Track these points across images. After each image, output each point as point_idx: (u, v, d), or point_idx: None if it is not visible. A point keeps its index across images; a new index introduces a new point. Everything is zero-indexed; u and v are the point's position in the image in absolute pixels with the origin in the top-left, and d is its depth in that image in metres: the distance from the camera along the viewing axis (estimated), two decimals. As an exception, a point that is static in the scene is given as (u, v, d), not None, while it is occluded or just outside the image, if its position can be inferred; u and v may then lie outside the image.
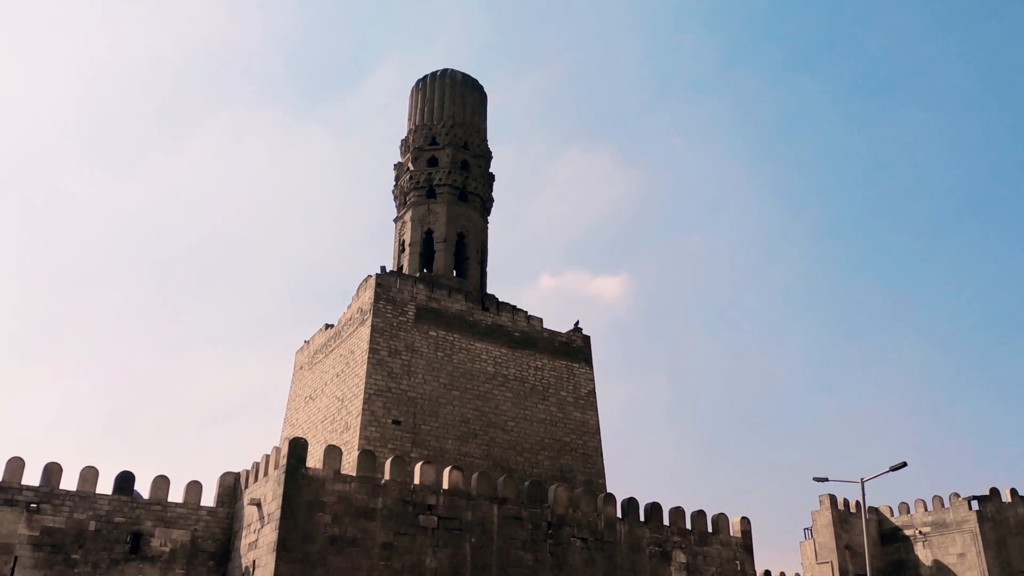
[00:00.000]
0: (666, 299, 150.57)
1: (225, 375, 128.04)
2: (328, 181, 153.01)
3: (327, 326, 48.80)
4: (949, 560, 49.37)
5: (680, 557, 34.63)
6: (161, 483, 29.84)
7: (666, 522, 34.99)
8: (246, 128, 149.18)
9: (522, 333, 47.18)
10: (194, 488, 30.42)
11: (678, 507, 35.59)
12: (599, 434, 46.70)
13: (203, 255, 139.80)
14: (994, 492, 50.25)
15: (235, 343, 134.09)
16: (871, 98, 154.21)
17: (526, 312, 48.23)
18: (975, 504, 49.90)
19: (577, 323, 49.93)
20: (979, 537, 48.71)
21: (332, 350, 46.34)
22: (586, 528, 32.51)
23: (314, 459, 29.45)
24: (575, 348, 48.82)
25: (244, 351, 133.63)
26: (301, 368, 50.46)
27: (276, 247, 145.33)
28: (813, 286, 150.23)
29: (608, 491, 40.64)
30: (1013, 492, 50.26)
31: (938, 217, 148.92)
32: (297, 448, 27.64)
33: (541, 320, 48.46)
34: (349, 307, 46.59)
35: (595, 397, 47.87)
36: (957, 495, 50.59)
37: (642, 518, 34.38)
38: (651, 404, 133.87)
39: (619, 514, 33.82)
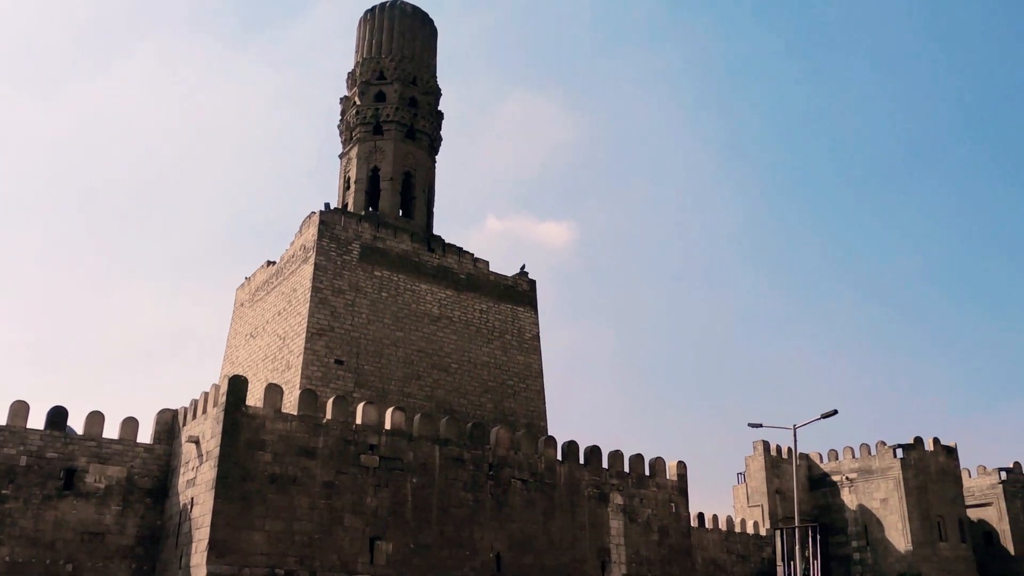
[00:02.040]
0: (611, 247, 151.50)
1: (160, 311, 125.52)
2: (269, 114, 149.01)
3: (269, 263, 47.86)
4: (873, 505, 51.36)
5: (617, 499, 35.31)
6: (95, 419, 29.14)
7: (605, 465, 35.55)
8: (178, 54, 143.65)
9: (468, 276, 46.94)
10: (130, 425, 29.79)
11: (617, 450, 36.17)
12: (542, 378, 47.05)
13: (133, 186, 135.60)
14: (918, 441, 52.16)
15: (171, 278, 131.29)
16: (819, 52, 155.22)
17: (472, 255, 47.94)
18: (900, 452, 51.77)
19: (523, 267, 49.88)
20: (902, 483, 50.67)
21: (274, 288, 45.54)
22: (527, 470, 32.85)
23: (255, 397, 29.06)
24: (520, 292, 48.81)
25: (181, 286, 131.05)
26: (242, 305, 49.55)
27: (213, 180, 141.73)
28: (756, 237, 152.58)
29: (549, 434, 41.08)
30: (936, 441, 52.27)
31: (880, 173, 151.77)
32: (237, 386, 27.19)
33: (487, 263, 48.25)
34: (292, 244, 45.69)
35: (539, 341, 48.09)
36: (883, 443, 52.41)
37: (582, 461, 34.86)
38: (594, 350, 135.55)
39: (559, 457, 34.24)
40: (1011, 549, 57.00)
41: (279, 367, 41.03)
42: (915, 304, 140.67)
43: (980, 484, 58.63)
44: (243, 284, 50.47)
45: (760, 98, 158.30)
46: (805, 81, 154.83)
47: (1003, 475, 58.56)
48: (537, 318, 48.70)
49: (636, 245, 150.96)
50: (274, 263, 47.15)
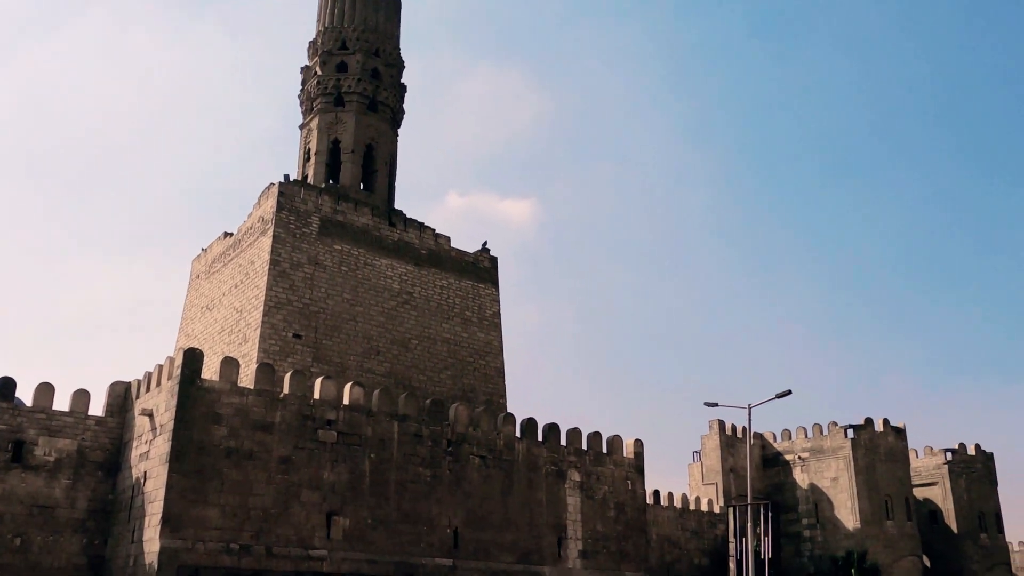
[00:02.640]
0: (574, 225, 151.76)
1: (114, 282, 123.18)
2: (227, 81, 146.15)
3: (226, 234, 47.02)
4: (823, 484, 52.38)
5: (575, 476, 35.51)
6: (45, 390, 28.43)
7: (563, 442, 35.70)
8: (132, 17, 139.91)
9: (429, 251, 46.60)
10: (81, 397, 29.13)
11: (575, 428, 36.34)
12: (502, 355, 47.01)
13: (85, 154, 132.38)
14: (868, 421, 53.20)
15: (124, 248, 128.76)
16: (786, 34, 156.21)
17: (434, 230, 47.58)
18: (850, 432, 52.78)
19: (485, 244, 49.65)
20: (852, 463, 51.71)
21: (231, 259, 44.77)
22: (485, 446, 32.86)
23: (210, 371, 28.56)
24: (482, 269, 48.62)
25: (134, 257, 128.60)
26: (198, 277, 48.68)
27: (169, 148, 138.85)
28: (719, 218, 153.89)
29: (508, 411, 41.15)
30: (885, 422, 53.35)
31: (842, 157, 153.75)
32: (192, 358, 26.72)
33: (449, 239, 47.93)
34: (250, 215, 44.91)
35: (500, 319, 48.01)
36: (835, 423, 53.38)
37: (540, 438, 34.97)
38: (555, 328, 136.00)
39: (518, 433, 34.30)
40: (954, 527, 58.63)
41: (236, 340, 40.44)
42: (869, 288, 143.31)
43: (927, 464, 60.08)
44: (199, 255, 49.56)
45: (728, 78, 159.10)
46: (773, 62, 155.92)
47: (948, 456, 60.05)
48: (498, 295, 48.59)
49: (598, 224, 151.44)
50: (231, 235, 46.33)
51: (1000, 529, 60.20)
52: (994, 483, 60.85)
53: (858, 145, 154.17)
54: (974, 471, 60.04)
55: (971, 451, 60.73)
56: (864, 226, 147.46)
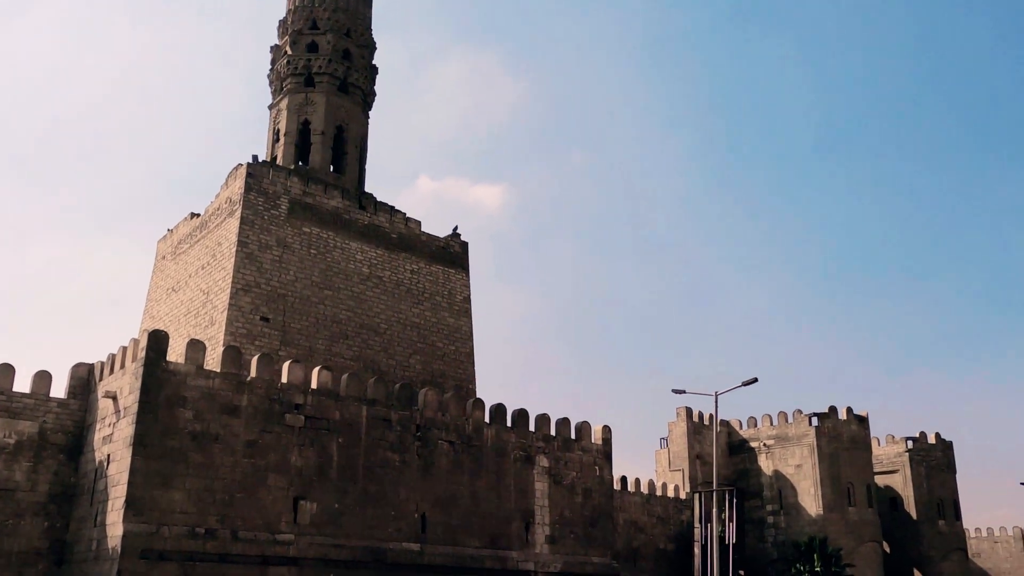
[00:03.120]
0: (545, 212, 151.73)
1: (78, 263, 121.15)
2: (195, 60, 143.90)
3: (193, 215, 46.32)
4: (788, 471, 53.04)
5: (543, 461, 35.59)
6: (5, 372, 27.84)
7: (532, 428, 35.75)
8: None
9: (400, 235, 46.29)
10: (43, 378, 28.57)
11: (544, 414, 36.40)
12: (472, 340, 46.91)
13: (49, 133, 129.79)
14: (832, 410, 53.91)
15: (89, 229, 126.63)
16: (766, 21, 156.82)
17: (404, 214, 47.25)
18: (815, 420, 53.47)
19: (456, 229, 49.42)
20: (815, 450, 52.40)
21: (198, 241, 44.14)
22: (454, 431, 32.80)
23: (176, 353, 28.20)
24: (453, 254, 48.41)
25: (99, 238, 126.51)
26: (163, 258, 47.94)
27: (134, 127, 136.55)
28: (690, 207, 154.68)
29: (478, 396, 41.13)
30: (849, 411, 54.09)
31: (811, 148, 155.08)
32: (157, 340, 26.31)
33: (419, 223, 47.64)
34: (217, 196, 44.27)
35: (470, 304, 47.88)
36: (800, 411, 54.03)
37: (509, 424, 34.98)
38: (525, 314, 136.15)
39: (487, 419, 34.27)
40: (913, 514, 59.71)
41: (202, 323, 39.93)
42: (835, 278, 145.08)
43: (888, 452, 61.06)
44: (165, 236, 48.80)
45: (707, 65, 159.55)
46: (752, 49, 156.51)
47: (909, 444, 61.07)
48: (469, 280, 48.43)
49: (570, 211, 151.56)
50: (198, 215, 45.66)
51: (957, 516, 61.42)
52: (953, 471, 62.03)
53: (826, 138, 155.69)
54: (933, 459, 61.14)
55: (931, 440, 61.81)
56: (830, 217, 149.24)
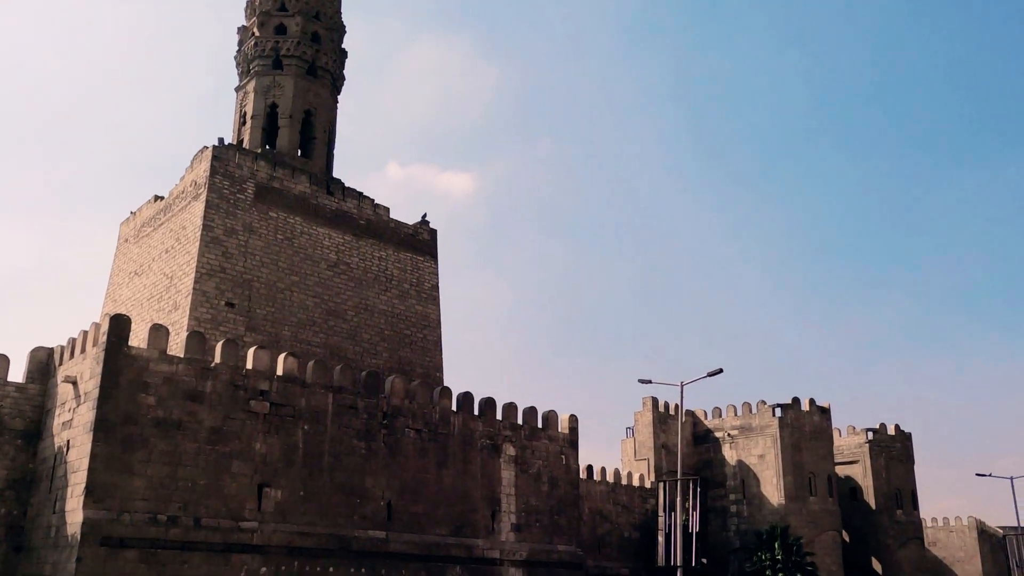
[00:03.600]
0: (514, 201, 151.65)
1: (38, 245, 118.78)
2: (160, 38, 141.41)
3: (156, 198, 45.55)
4: (751, 460, 53.58)
5: (510, 450, 35.60)
6: (-39, 355, 27.21)
7: (499, 416, 35.72)
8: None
9: (368, 221, 45.90)
10: (0, 362, 27.95)
11: (511, 403, 36.38)
12: (440, 328, 46.72)
13: (10, 113, 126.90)
14: (795, 401, 54.50)
15: (50, 211, 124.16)
16: (737, 11, 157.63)
17: (373, 200, 46.86)
18: (778, 411, 54.01)
19: (424, 216, 49.13)
20: (778, 440, 52.96)
21: (161, 224, 43.42)
22: (421, 419, 32.65)
23: (139, 338, 27.73)
24: (421, 241, 48.12)
25: (60, 220, 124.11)
26: (126, 241, 47.10)
27: (97, 107, 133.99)
28: (657, 199, 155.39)
29: (445, 385, 40.97)
30: (811, 402, 54.72)
31: (779, 140, 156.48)
32: (119, 325, 25.82)
33: (388, 210, 47.29)
34: (182, 179, 43.56)
35: (438, 292, 47.66)
36: (764, 402, 54.54)
37: (476, 412, 34.91)
38: (493, 303, 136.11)
39: (454, 407, 34.17)
40: (872, 504, 60.70)
41: (166, 307, 39.32)
42: (799, 272, 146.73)
43: (849, 443, 61.96)
44: (128, 219, 47.94)
45: (678, 56, 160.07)
46: (721, 40, 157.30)
47: (870, 435, 62.02)
48: (437, 268, 48.19)
49: (538, 200, 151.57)
50: (162, 198, 44.92)
51: (915, 506, 62.56)
52: (911, 462, 63.16)
53: (795, 133, 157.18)
54: (893, 450, 62.17)
55: (891, 431, 62.83)
56: (797, 212, 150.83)
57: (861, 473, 61.29)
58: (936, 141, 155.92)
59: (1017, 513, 72.41)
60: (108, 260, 48.14)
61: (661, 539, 43.90)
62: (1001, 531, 77.61)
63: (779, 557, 49.56)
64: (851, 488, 61.05)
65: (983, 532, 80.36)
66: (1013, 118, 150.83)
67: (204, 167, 41.02)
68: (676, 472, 39.92)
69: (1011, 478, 53.04)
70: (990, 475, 63.17)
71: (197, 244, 38.73)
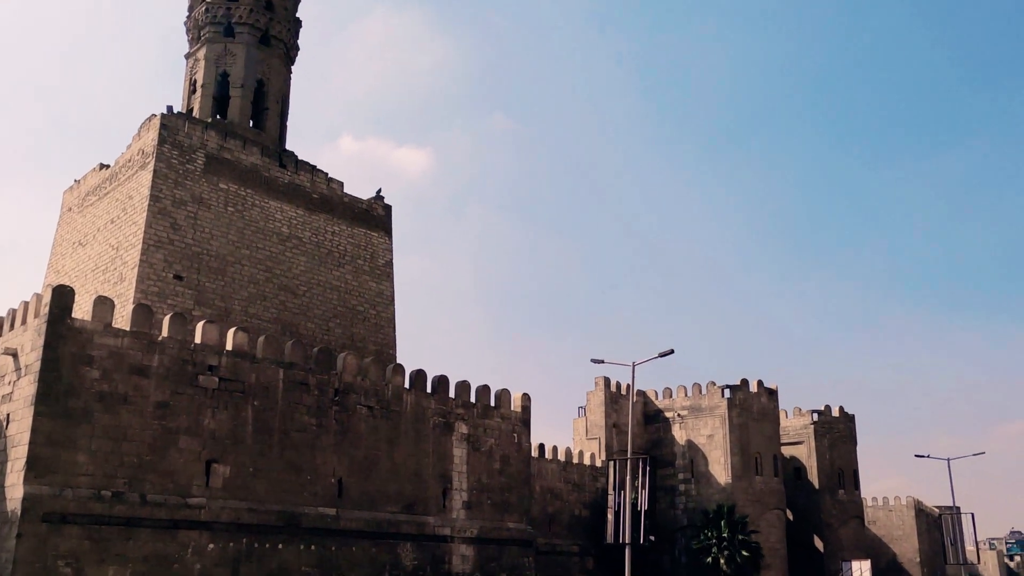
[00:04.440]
0: (469, 178, 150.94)
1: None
2: (105, 2, 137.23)
3: (102, 166, 44.27)
4: (700, 440, 54.35)
5: (462, 428, 35.52)
6: None
7: (452, 394, 35.58)
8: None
9: (321, 196, 45.19)
10: (-65, 332, 26.95)
11: (464, 381, 36.26)
12: (393, 305, 46.32)
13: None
14: (744, 382, 55.38)
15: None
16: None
17: (326, 174, 46.12)
18: (727, 392, 54.87)
19: (379, 191, 48.54)
20: (727, 421, 53.82)
21: (107, 193, 42.23)
22: (373, 397, 32.36)
23: (83, 310, 26.94)
24: (376, 217, 47.56)
25: (0, 188, 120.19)
26: (70, 210, 45.75)
27: (38, 71, 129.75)
28: (611, 179, 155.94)
29: (398, 362, 40.72)
30: (760, 383, 55.67)
31: (727, 124, 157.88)
32: (62, 296, 25.03)
33: (342, 184, 46.60)
34: (129, 148, 42.38)
35: (392, 268, 47.21)
36: (713, 383, 55.33)
37: (429, 390, 34.72)
38: (447, 280, 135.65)
39: (407, 385, 33.92)
40: (816, 483, 62.13)
41: (111, 279, 38.31)
42: (749, 256, 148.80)
43: (795, 424, 63.23)
44: (72, 187, 46.55)
45: (635, 39, 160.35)
46: (680, 21, 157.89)
47: (815, 416, 63.38)
48: (391, 244, 47.70)
49: (493, 178, 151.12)
50: (108, 167, 43.66)
51: (856, 485, 64.19)
52: (854, 443, 64.74)
53: (746, 116, 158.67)
54: (837, 431, 63.63)
55: (835, 413, 64.28)
56: (747, 196, 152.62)
57: (806, 453, 62.62)
58: (883, 131, 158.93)
59: (953, 493, 74.86)
60: (51, 229, 46.77)
61: (610, 517, 44.17)
62: (937, 510, 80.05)
63: (725, 535, 50.50)
64: (796, 468, 62.37)
65: (920, 511, 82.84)
66: (958, 111, 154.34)
67: (152, 136, 39.94)
68: (627, 451, 40.23)
69: (948, 459, 54.62)
70: (928, 456, 64.94)
71: (144, 215, 37.75)
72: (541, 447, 47.43)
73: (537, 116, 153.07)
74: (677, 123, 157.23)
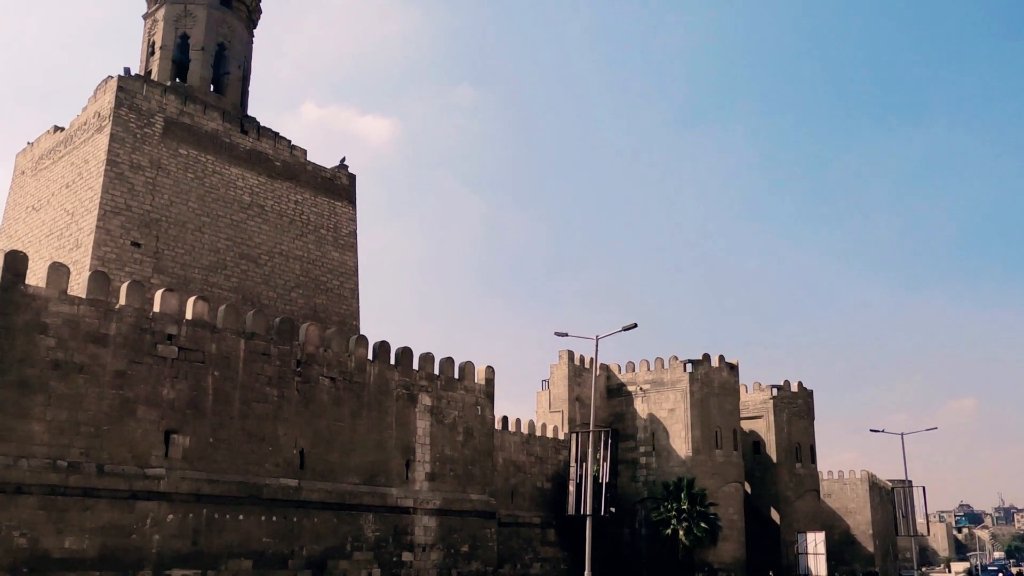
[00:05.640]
0: (434, 150, 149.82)
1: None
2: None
3: (56, 128, 42.99)
4: (661, 414, 54.79)
5: (426, 400, 35.36)
6: None
7: (415, 366, 35.37)
8: None
9: (284, 163, 44.38)
10: None
11: (428, 353, 36.04)
12: (356, 276, 45.80)
13: None
14: (706, 357, 55.84)
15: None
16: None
17: (289, 141, 45.27)
18: (689, 367, 55.32)
19: (343, 160, 47.79)
20: (688, 395, 54.30)
21: (62, 156, 41.04)
22: (336, 368, 32.01)
23: (36, 277, 26.17)
24: (339, 186, 46.86)
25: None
26: (23, 173, 44.42)
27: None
28: (574, 151, 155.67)
29: (361, 333, 40.34)
30: (721, 358, 56.18)
31: (692, 98, 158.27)
32: (15, 262, 24.27)
33: (305, 152, 45.79)
34: (84, 110, 41.17)
35: (356, 238, 46.62)
36: (676, 357, 55.71)
37: (393, 361, 34.46)
38: (411, 252, 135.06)
39: (370, 356, 33.62)
40: (774, 457, 63.08)
41: (66, 245, 37.32)
42: (711, 232, 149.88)
43: (755, 399, 64.02)
44: (25, 150, 45.19)
45: (593, 10, 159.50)
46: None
47: (774, 391, 64.23)
48: (355, 214, 47.07)
49: (458, 149, 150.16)
50: (63, 129, 42.41)
51: (813, 459, 65.33)
52: (811, 417, 65.77)
53: (712, 90, 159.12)
54: (795, 406, 64.58)
55: (794, 388, 65.18)
56: (708, 169, 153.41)
57: (765, 428, 63.50)
58: (848, 108, 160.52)
59: (906, 466, 76.67)
60: (3, 193, 45.44)
61: (572, 489, 44.44)
62: (890, 483, 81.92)
63: (684, 508, 51.14)
64: (755, 442, 63.25)
65: (874, 485, 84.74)
66: (916, 91, 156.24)
67: (108, 98, 38.81)
68: (589, 424, 40.44)
69: (902, 434, 55.74)
70: (883, 431, 66.30)
71: (101, 179, 36.75)
72: (504, 420, 47.48)
73: (504, 88, 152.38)
74: (643, 94, 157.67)
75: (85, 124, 40.18)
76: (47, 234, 39.37)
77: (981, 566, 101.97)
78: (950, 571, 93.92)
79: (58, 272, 25.37)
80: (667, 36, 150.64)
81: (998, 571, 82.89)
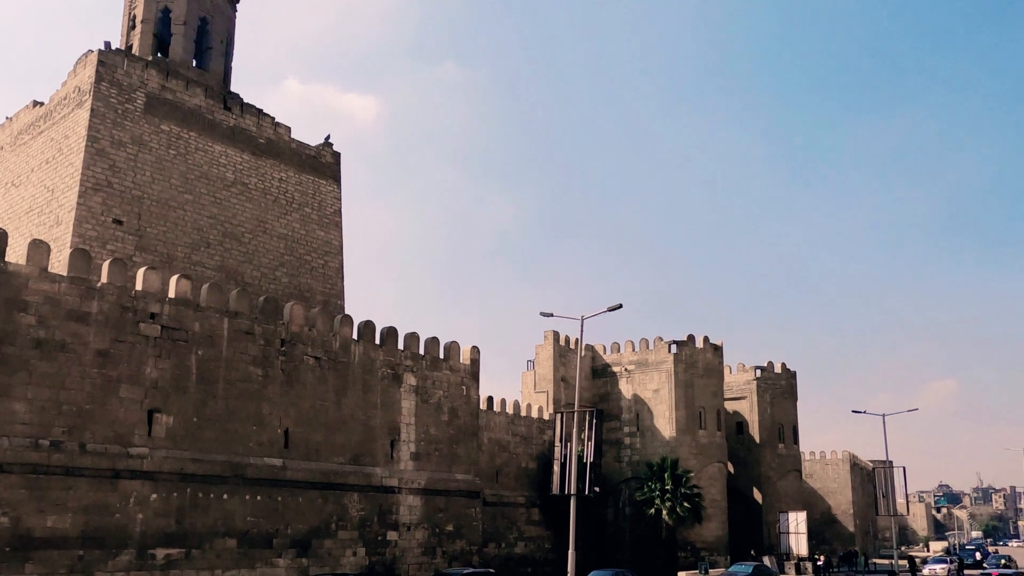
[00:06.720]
0: (418, 128, 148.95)
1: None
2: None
3: (36, 103, 42.31)
4: (646, 395, 54.95)
5: (411, 380, 35.27)
6: None
7: (400, 346, 35.27)
8: None
9: (267, 140, 43.91)
10: None
11: (413, 332, 35.92)
12: (341, 255, 45.52)
13: None
14: (690, 338, 55.95)
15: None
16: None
17: (273, 118, 44.78)
18: (674, 347, 55.42)
19: (328, 138, 47.35)
20: (673, 376, 54.45)
21: (41, 132, 40.42)
22: (320, 347, 31.86)
23: (16, 254, 25.85)
24: (324, 164, 46.46)
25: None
26: (1, 149, 43.74)
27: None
28: (556, 133, 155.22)
29: (346, 312, 40.13)
30: (706, 339, 56.31)
31: (674, 78, 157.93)
32: (-5, 238, 23.92)
33: (289, 129, 45.32)
34: (64, 85, 40.53)
35: (340, 217, 46.30)
36: (660, 339, 55.81)
37: (377, 341, 34.34)
38: (396, 231, 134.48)
39: (355, 336, 33.48)
40: (757, 438, 63.46)
41: (47, 222, 36.84)
42: (697, 214, 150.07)
43: (738, 380, 64.30)
44: (3, 124, 44.47)
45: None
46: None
47: (758, 372, 64.51)
48: (340, 192, 46.72)
49: (443, 127, 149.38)
50: (42, 104, 41.74)
51: (795, 440, 65.77)
52: (794, 398, 66.14)
53: (695, 70, 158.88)
54: (778, 387, 64.92)
55: (778, 369, 65.48)
56: (689, 149, 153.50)
57: (748, 408, 63.83)
58: (826, 94, 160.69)
59: (887, 447, 77.39)
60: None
61: (556, 468, 44.58)
62: (871, 464, 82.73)
63: (668, 487, 51.42)
64: (738, 423, 63.58)
65: (855, 465, 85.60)
66: (899, 75, 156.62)
67: (88, 73, 38.20)
68: (574, 405, 40.55)
69: (883, 415, 56.13)
70: (864, 412, 66.99)
71: (81, 155, 36.23)
72: (490, 400, 47.49)
73: (488, 66, 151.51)
74: (631, 75, 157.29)
75: (65, 99, 39.57)
76: (27, 211, 38.85)
77: (959, 545, 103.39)
78: (929, 550, 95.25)
79: (39, 249, 25.05)
80: (650, 14, 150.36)
81: (975, 550, 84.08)
